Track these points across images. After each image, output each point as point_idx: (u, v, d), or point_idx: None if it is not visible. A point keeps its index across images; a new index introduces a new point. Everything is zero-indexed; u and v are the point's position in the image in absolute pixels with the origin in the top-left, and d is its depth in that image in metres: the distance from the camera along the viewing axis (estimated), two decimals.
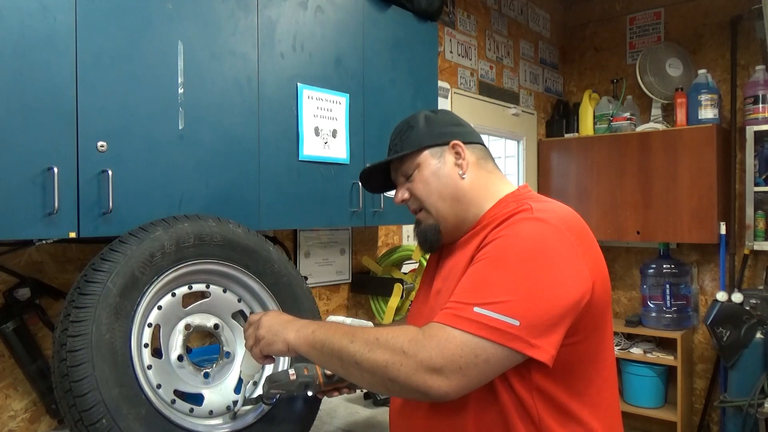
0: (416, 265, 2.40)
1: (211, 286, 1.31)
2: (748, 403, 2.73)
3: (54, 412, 1.43)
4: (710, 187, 2.98)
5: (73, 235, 1.14)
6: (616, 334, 3.29)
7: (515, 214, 1.00)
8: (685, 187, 3.06)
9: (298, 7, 1.62)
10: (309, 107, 1.64)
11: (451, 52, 2.86)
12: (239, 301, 1.35)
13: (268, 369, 1.34)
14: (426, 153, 1.13)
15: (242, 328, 1.33)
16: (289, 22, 1.59)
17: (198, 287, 1.28)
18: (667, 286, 3.17)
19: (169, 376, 1.18)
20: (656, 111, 3.35)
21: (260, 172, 1.51)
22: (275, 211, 1.55)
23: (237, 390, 1.28)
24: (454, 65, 2.88)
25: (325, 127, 1.69)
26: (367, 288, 2.33)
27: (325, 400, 1.35)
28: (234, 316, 1.35)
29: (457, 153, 1.12)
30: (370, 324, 1.82)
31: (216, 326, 1.32)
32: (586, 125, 3.50)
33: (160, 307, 1.20)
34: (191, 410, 1.18)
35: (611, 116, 3.39)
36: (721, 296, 2.86)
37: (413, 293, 2.14)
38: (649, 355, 3.18)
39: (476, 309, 0.88)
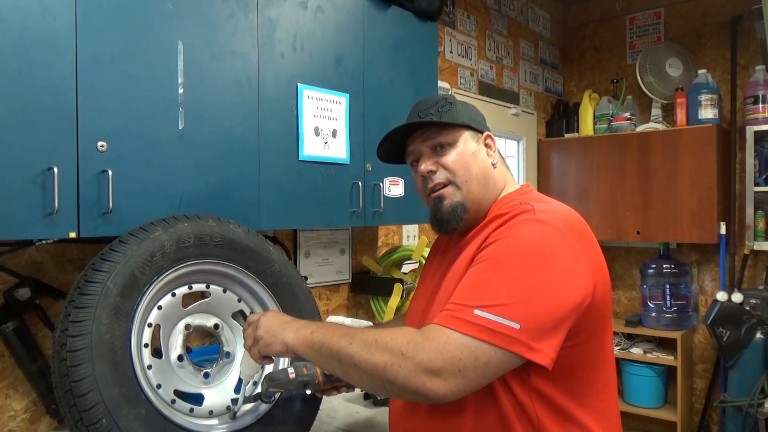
0: (416, 265, 2.40)
1: (211, 286, 1.31)
2: (748, 403, 2.73)
3: (54, 412, 1.43)
4: (710, 187, 2.98)
5: (73, 235, 1.14)
6: (616, 334, 3.29)
7: (517, 214, 1.00)
8: (685, 187, 3.05)
9: (298, 7, 1.62)
10: (309, 107, 1.64)
11: (451, 52, 2.86)
12: (239, 301, 1.35)
13: (268, 368, 1.34)
14: (467, 133, 1.13)
15: (242, 328, 1.34)
16: (289, 22, 1.59)
17: (198, 287, 1.28)
18: (667, 286, 3.17)
19: (169, 376, 1.18)
20: (656, 111, 3.35)
21: (260, 172, 1.51)
22: (275, 211, 1.55)
23: (237, 390, 1.28)
24: (454, 65, 2.88)
25: (325, 127, 1.69)
26: (367, 288, 2.33)
27: (324, 400, 1.35)
28: (234, 316, 1.35)
29: (488, 145, 1.15)
30: (370, 324, 1.82)
31: (216, 326, 1.32)
32: (586, 125, 3.50)
33: (160, 307, 1.20)
34: (191, 410, 1.18)
35: (611, 116, 3.39)
36: (721, 296, 2.86)
37: (413, 293, 2.13)
38: (649, 355, 3.18)
39: (476, 311, 0.88)
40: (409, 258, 2.34)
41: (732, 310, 2.82)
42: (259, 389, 1.28)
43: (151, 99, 1.27)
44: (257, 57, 1.50)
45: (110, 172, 1.18)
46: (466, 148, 1.11)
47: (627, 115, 3.32)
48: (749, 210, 2.97)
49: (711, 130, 2.99)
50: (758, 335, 2.75)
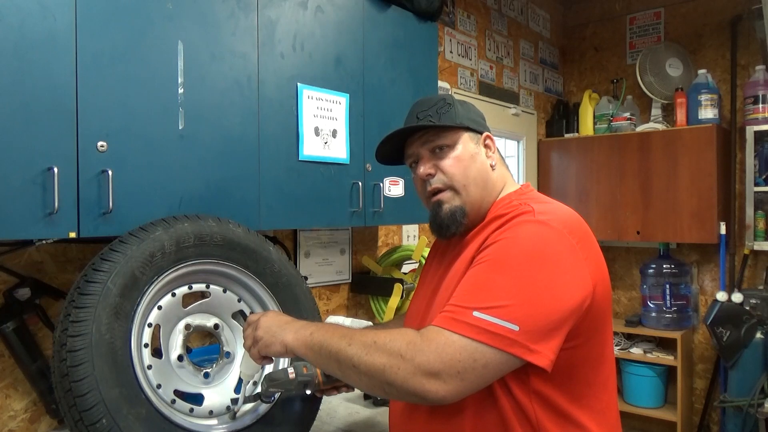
0: (416, 265, 2.40)
1: (211, 286, 1.31)
2: (748, 403, 2.73)
3: (54, 412, 1.42)
4: (710, 187, 2.98)
5: (73, 235, 1.14)
6: (616, 334, 3.29)
7: (517, 215, 1.00)
8: (685, 187, 3.05)
9: (298, 7, 1.62)
10: (309, 107, 1.64)
11: (451, 52, 2.86)
12: (239, 301, 1.35)
13: (268, 368, 1.34)
14: (466, 135, 1.12)
15: (242, 328, 1.34)
16: (289, 22, 1.59)
17: (198, 287, 1.28)
18: (667, 286, 3.17)
19: (169, 376, 1.18)
20: (656, 111, 3.35)
21: (260, 172, 1.51)
22: (275, 211, 1.55)
23: (237, 390, 1.28)
24: (454, 65, 2.88)
25: (325, 127, 1.69)
26: (367, 288, 2.33)
27: (324, 400, 1.35)
28: (234, 316, 1.35)
29: (487, 146, 1.14)
30: (370, 324, 1.82)
31: (216, 326, 1.32)
32: (586, 125, 3.50)
33: (160, 307, 1.20)
34: (191, 410, 1.18)
35: (611, 116, 3.39)
36: (721, 296, 2.86)
37: (413, 293, 2.13)
38: (649, 355, 3.18)
39: (475, 313, 0.88)
40: (409, 258, 2.34)
41: (732, 310, 2.82)
42: (259, 389, 1.28)
43: (151, 99, 1.27)
44: (257, 57, 1.50)
45: (110, 172, 1.18)
46: (464, 150, 1.10)
47: (627, 115, 3.32)
48: (749, 210, 2.97)
49: (711, 130, 2.99)
50: (758, 335, 2.75)
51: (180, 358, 1.23)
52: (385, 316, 2.16)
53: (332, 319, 2.08)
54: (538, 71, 3.58)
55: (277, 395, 1.27)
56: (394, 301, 2.12)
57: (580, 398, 0.99)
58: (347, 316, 2.18)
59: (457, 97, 2.84)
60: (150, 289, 1.14)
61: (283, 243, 1.98)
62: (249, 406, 1.27)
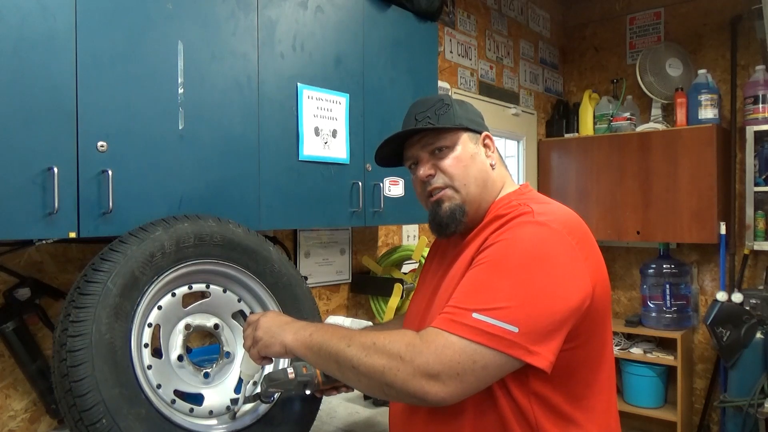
0: (416, 265, 2.40)
1: (211, 286, 1.31)
2: (748, 403, 2.73)
3: (54, 412, 1.42)
4: (710, 187, 2.98)
5: (73, 235, 1.14)
6: (616, 334, 3.30)
7: (516, 216, 1.00)
8: (685, 187, 3.05)
9: (298, 7, 1.62)
10: (309, 107, 1.64)
11: (451, 52, 2.86)
12: (239, 301, 1.35)
13: (268, 368, 1.34)
14: (465, 135, 1.12)
15: (242, 328, 1.34)
16: (289, 22, 1.59)
17: (198, 287, 1.28)
18: (667, 286, 3.17)
19: (169, 376, 1.18)
20: (656, 111, 3.35)
21: (260, 172, 1.51)
22: (275, 211, 1.55)
23: (237, 390, 1.28)
24: (454, 65, 2.88)
25: (325, 127, 1.69)
26: (367, 288, 2.33)
27: (324, 400, 1.35)
28: (234, 316, 1.35)
29: (487, 145, 1.14)
30: (370, 324, 1.82)
31: (216, 326, 1.32)
32: (586, 125, 3.50)
33: (160, 307, 1.20)
34: (191, 410, 1.18)
35: (611, 116, 3.39)
36: (721, 296, 2.86)
37: (413, 293, 2.13)
38: (649, 355, 3.18)
39: (475, 315, 0.88)
40: (409, 258, 2.34)
41: (732, 310, 2.82)
42: (258, 389, 1.28)
43: (151, 99, 1.27)
44: (257, 57, 1.50)
45: (110, 172, 1.18)
46: (464, 150, 1.11)
47: (627, 115, 3.32)
48: (749, 210, 2.97)
49: (711, 130, 2.99)
50: (758, 335, 2.75)
51: (180, 358, 1.23)
52: (385, 316, 2.16)
53: (332, 319, 2.08)
54: (538, 71, 3.58)
55: (276, 395, 1.27)
56: (394, 301, 2.12)
57: (579, 399, 0.99)
58: (347, 316, 2.18)
59: (456, 97, 2.84)
60: (150, 289, 1.14)
61: (283, 243, 1.98)
62: (249, 406, 1.27)
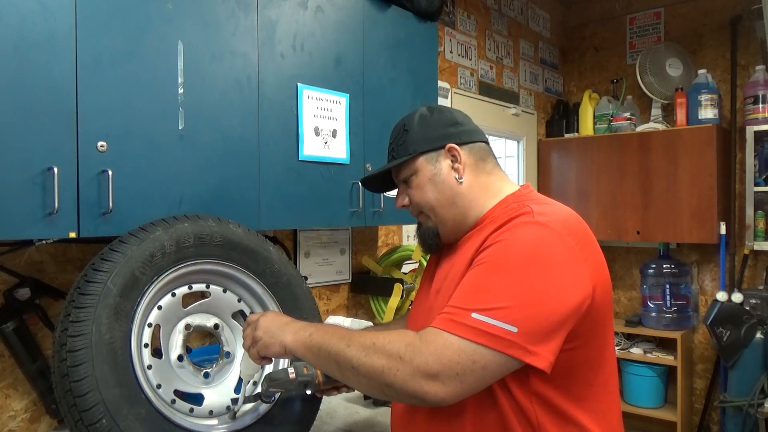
0: (416, 265, 2.40)
1: (211, 286, 1.31)
2: (748, 403, 2.73)
3: (54, 412, 1.43)
4: (710, 187, 2.98)
5: (73, 235, 1.14)
6: (616, 334, 3.29)
7: (516, 216, 0.99)
8: (685, 187, 3.05)
9: (298, 7, 1.62)
10: (309, 107, 1.64)
11: (451, 52, 2.86)
12: (239, 301, 1.35)
13: (268, 368, 1.34)
14: (421, 159, 1.12)
15: (242, 328, 1.34)
16: (289, 22, 1.59)
17: (198, 287, 1.28)
18: (667, 286, 3.17)
19: (169, 376, 1.18)
20: (656, 111, 3.35)
21: (260, 172, 1.51)
22: (275, 211, 1.55)
23: (237, 390, 1.28)
24: (454, 65, 2.88)
25: (325, 127, 1.69)
26: (367, 288, 2.33)
27: (324, 400, 1.35)
28: (234, 316, 1.35)
29: (453, 156, 1.11)
30: (370, 324, 1.82)
31: (216, 326, 1.32)
32: (586, 125, 3.50)
33: (160, 307, 1.20)
34: (191, 410, 1.18)
35: (611, 116, 3.39)
36: (721, 296, 2.86)
37: (413, 293, 2.14)
38: (649, 355, 3.18)
39: (474, 315, 0.88)
40: (409, 258, 2.34)
41: (732, 310, 2.82)
42: (259, 389, 1.28)
43: (151, 99, 1.27)
44: (257, 57, 1.50)
45: (110, 172, 1.18)
46: (422, 176, 1.12)
47: (627, 115, 3.32)
48: (749, 210, 2.97)
49: (711, 130, 2.99)
50: (758, 335, 2.75)
51: (180, 358, 1.23)
52: (385, 316, 2.16)
53: (332, 319, 2.08)
54: (538, 71, 3.58)
55: (277, 395, 1.27)
56: (394, 301, 2.12)
57: (580, 399, 0.98)
58: (347, 316, 2.18)
59: (456, 97, 2.85)
60: (150, 289, 1.14)
61: (283, 243, 1.98)
62: (249, 406, 1.27)
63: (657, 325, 3.20)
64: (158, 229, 1.17)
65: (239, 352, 1.32)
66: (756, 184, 2.97)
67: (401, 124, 1.16)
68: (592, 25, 3.74)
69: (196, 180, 1.36)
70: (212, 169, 1.40)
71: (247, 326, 1.14)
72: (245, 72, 1.47)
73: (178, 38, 1.32)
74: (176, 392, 1.18)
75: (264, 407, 1.27)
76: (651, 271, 3.25)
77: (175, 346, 1.23)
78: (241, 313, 1.35)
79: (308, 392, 1.22)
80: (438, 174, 1.11)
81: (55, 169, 1.11)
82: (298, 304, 1.39)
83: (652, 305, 3.23)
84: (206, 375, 1.27)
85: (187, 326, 1.27)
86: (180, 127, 1.33)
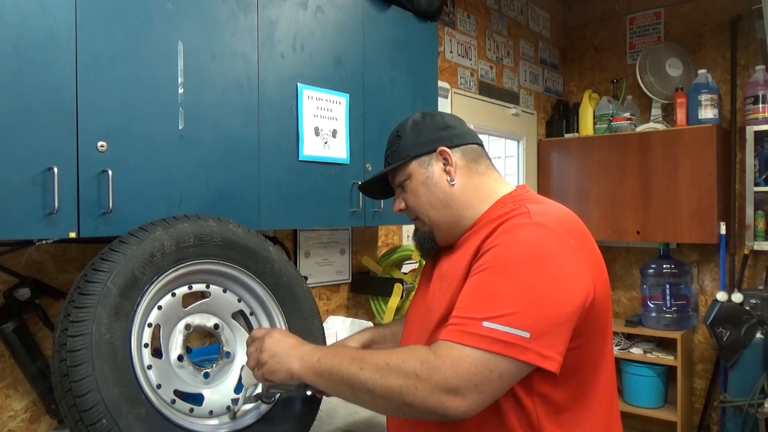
0: (416, 265, 2.40)
1: (211, 286, 1.31)
2: (748, 403, 2.73)
3: (54, 412, 1.43)
4: (710, 187, 2.98)
5: (73, 235, 1.14)
6: (616, 334, 3.29)
7: (512, 217, 0.99)
8: (685, 187, 3.06)
9: (298, 7, 1.62)
10: (309, 107, 1.64)
11: (451, 52, 2.86)
12: (239, 301, 1.35)
13: None
14: (414, 163, 1.13)
15: (242, 328, 1.34)
16: (289, 22, 1.59)
17: (198, 287, 1.28)
18: (667, 286, 3.17)
19: (169, 376, 1.18)
20: (656, 111, 3.35)
21: (260, 172, 1.51)
22: (275, 211, 1.55)
23: (237, 390, 1.28)
24: (454, 65, 2.88)
25: (325, 127, 1.69)
26: (367, 288, 2.33)
27: (324, 400, 1.35)
28: (234, 316, 1.35)
29: (445, 159, 1.12)
30: (370, 324, 1.82)
31: (216, 326, 1.32)
32: (586, 125, 3.50)
33: (160, 307, 1.20)
34: (191, 410, 1.18)
35: (611, 116, 3.39)
36: (721, 296, 2.86)
37: (413, 293, 2.13)
38: (649, 355, 3.18)
39: (485, 323, 0.88)
40: (409, 258, 2.34)
41: (732, 310, 2.82)
42: (259, 390, 1.28)
43: (151, 99, 1.27)
44: (257, 57, 1.50)
45: (110, 172, 1.18)
46: (415, 180, 1.13)
47: (627, 115, 3.32)
48: (749, 210, 2.97)
49: (711, 130, 2.99)
50: (758, 335, 2.75)
51: (180, 358, 1.23)
52: (385, 316, 2.16)
53: (332, 319, 2.08)
54: (538, 71, 3.58)
55: (277, 396, 1.27)
56: (394, 301, 2.12)
57: (581, 398, 0.98)
58: (347, 316, 2.18)
59: (456, 97, 2.85)
60: (150, 289, 1.14)
61: (283, 243, 1.98)
62: (249, 406, 1.27)
63: (657, 325, 3.20)
64: (158, 229, 1.17)
65: (239, 352, 1.32)
66: (756, 184, 2.97)
67: (395, 130, 1.18)
68: (592, 25, 3.74)
69: (196, 180, 1.36)
70: (212, 169, 1.40)
71: (251, 341, 1.14)
72: (245, 72, 1.47)
73: (178, 38, 1.32)
74: (176, 392, 1.17)
75: (264, 407, 1.27)
76: (651, 271, 3.25)
77: (175, 346, 1.23)
78: (241, 313, 1.35)
79: (308, 393, 1.22)
80: (430, 177, 1.12)
81: (55, 169, 1.11)
82: (298, 304, 1.39)
83: (652, 305, 3.23)
84: (206, 375, 1.27)
85: (187, 326, 1.26)
86: (180, 127, 1.33)
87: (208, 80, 1.39)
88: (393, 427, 1.14)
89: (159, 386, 1.14)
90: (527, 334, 0.86)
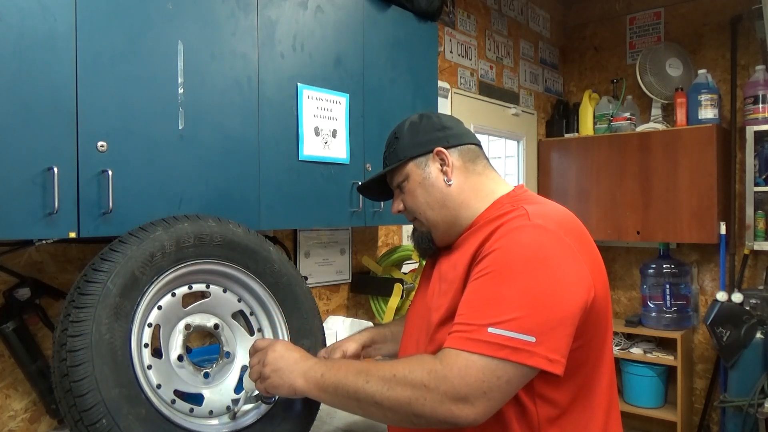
0: (416, 265, 2.40)
1: (211, 286, 1.31)
2: (748, 403, 2.73)
3: (54, 412, 1.43)
4: (710, 187, 2.98)
5: (73, 235, 1.14)
6: (615, 334, 3.30)
7: (511, 219, 0.99)
8: (685, 187, 3.06)
9: (298, 7, 1.62)
10: (309, 107, 1.64)
11: (451, 52, 2.86)
12: (239, 301, 1.35)
13: None
14: (411, 164, 1.14)
15: (242, 328, 1.34)
16: (289, 22, 1.59)
17: (198, 287, 1.28)
18: (667, 286, 3.17)
19: (169, 376, 1.18)
20: (656, 111, 3.35)
21: (260, 172, 1.51)
22: (275, 211, 1.55)
23: (237, 390, 1.28)
24: (454, 65, 2.88)
25: (325, 127, 1.69)
26: (367, 288, 2.33)
27: None
28: (234, 316, 1.35)
29: (442, 159, 1.12)
30: (370, 324, 1.82)
31: (216, 326, 1.32)
32: (586, 125, 3.50)
33: (160, 307, 1.20)
34: (191, 410, 1.18)
35: (611, 116, 3.39)
36: (721, 296, 2.86)
37: (413, 293, 2.13)
38: (649, 355, 3.18)
39: (490, 329, 0.87)
40: (409, 258, 2.34)
41: (732, 310, 2.82)
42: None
43: (151, 99, 1.27)
44: (257, 57, 1.50)
45: (110, 172, 1.18)
46: (413, 181, 1.14)
47: (627, 115, 3.32)
48: (749, 210, 2.97)
49: (711, 130, 2.99)
50: (758, 335, 2.75)
51: (180, 358, 1.23)
52: (385, 316, 2.16)
53: (332, 319, 2.08)
54: (538, 71, 3.58)
55: (277, 396, 1.26)
56: (394, 301, 2.12)
57: (581, 399, 0.98)
58: (347, 316, 2.18)
59: (456, 97, 2.84)
60: (150, 289, 1.14)
61: (283, 243, 1.98)
62: (249, 406, 1.27)
63: (657, 325, 3.20)
64: (158, 229, 1.17)
65: (239, 353, 1.32)
66: (756, 184, 2.97)
67: (393, 132, 1.19)
68: (592, 25, 3.74)
69: (196, 180, 1.36)
70: (212, 169, 1.40)
71: (254, 352, 1.13)
72: (245, 72, 1.47)
73: (178, 38, 1.32)
74: (176, 392, 1.17)
75: (264, 407, 1.27)
76: (651, 271, 3.25)
77: (175, 346, 1.23)
78: (241, 313, 1.35)
79: None
80: (427, 178, 1.12)
81: (55, 169, 1.11)
82: (298, 304, 1.39)
83: (652, 305, 3.23)
84: (206, 375, 1.26)
85: (187, 326, 1.26)
86: (180, 127, 1.33)
87: (208, 80, 1.39)
88: (393, 428, 1.14)
89: (159, 386, 1.14)
90: (533, 339, 0.86)
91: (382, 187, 1.25)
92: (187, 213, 1.28)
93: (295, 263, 2.09)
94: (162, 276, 1.16)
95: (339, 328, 2.01)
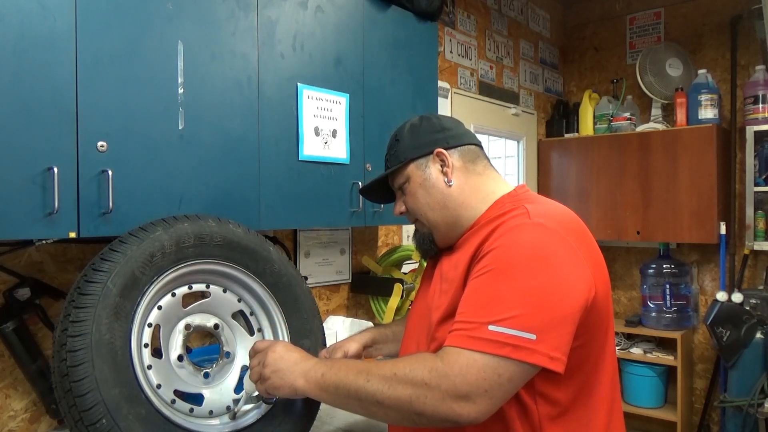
0: (416, 265, 2.40)
1: (211, 286, 1.31)
2: (748, 403, 2.73)
3: (54, 412, 1.42)
4: (710, 187, 2.98)
5: (73, 235, 1.14)
6: (616, 334, 3.29)
7: (511, 218, 0.99)
8: (685, 187, 3.06)
9: (298, 7, 1.62)
10: (309, 107, 1.64)
11: (451, 52, 2.86)
12: (239, 301, 1.35)
13: None
14: (412, 166, 1.14)
15: (242, 328, 1.34)
16: (289, 22, 1.59)
17: (198, 287, 1.28)
18: (667, 286, 3.18)
19: (169, 376, 1.18)
20: (656, 111, 3.35)
21: (260, 172, 1.51)
22: (275, 211, 1.55)
23: (237, 390, 1.28)
24: (454, 65, 2.88)
25: (325, 127, 1.69)
26: (367, 288, 2.33)
27: None
28: (234, 316, 1.35)
29: (442, 161, 1.12)
30: (370, 324, 1.82)
31: (216, 326, 1.32)
32: (586, 125, 3.50)
33: (160, 307, 1.20)
34: (191, 410, 1.18)
35: (611, 116, 3.39)
36: (721, 296, 2.86)
37: (413, 293, 2.14)
38: (649, 355, 3.18)
39: (491, 327, 0.87)
40: (409, 258, 2.34)
41: (732, 310, 2.82)
42: None
43: (151, 99, 1.27)
44: (257, 57, 1.50)
45: (110, 172, 1.18)
46: (413, 183, 1.14)
47: (627, 115, 3.32)
48: (749, 210, 2.97)
49: (711, 130, 2.99)
50: (758, 335, 2.75)
51: (180, 358, 1.23)
52: (385, 316, 2.16)
53: (332, 319, 2.08)
54: (538, 71, 3.58)
55: (277, 396, 1.26)
56: (394, 301, 2.12)
57: (582, 397, 0.98)
58: (347, 316, 2.18)
59: (456, 97, 2.84)
60: (150, 289, 1.14)
61: (283, 243, 1.98)
62: (249, 406, 1.27)
63: (657, 325, 3.20)
64: (158, 229, 1.17)
65: (239, 353, 1.32)
66: (756, 184, 2.97)
67: (393, 135, 1.20)
68: (592, 25, 3.74)
69: (196, 180, 1.36)
70: (212, 169, 1.40)
71: (254, 354, 1.13)
72: (245, 72, 1.47)
73: (178, 38, 1.32)
74: (176, 392, 1.17)
75: (264, 407, 1.27)
76: (651, 271, 3.25)
77: (175, 346, 1.23)
78: (241, 313, 1.35)
79: None
80: (428, 179, 1.13)
81: (55, 169, 1.11)
82: (298, 304, 1.39)
83: (652, 305, 3.23)
84: (206, 375, 1.26)
85: (187, 326, 1.26)
86: (180, 127, 1.33)
87: (208, 80, 1.39)
88: (394, 427, 1.14)
89: (159, 386, 1.14)
90: (533, 336, 0.86)
91: (384, 190, 1.25)
92: (187, 213, 1.28)
93: (295, 263, 2.09)
94: (162, 276, 1.16)
95: (339, 328, 2.01)
